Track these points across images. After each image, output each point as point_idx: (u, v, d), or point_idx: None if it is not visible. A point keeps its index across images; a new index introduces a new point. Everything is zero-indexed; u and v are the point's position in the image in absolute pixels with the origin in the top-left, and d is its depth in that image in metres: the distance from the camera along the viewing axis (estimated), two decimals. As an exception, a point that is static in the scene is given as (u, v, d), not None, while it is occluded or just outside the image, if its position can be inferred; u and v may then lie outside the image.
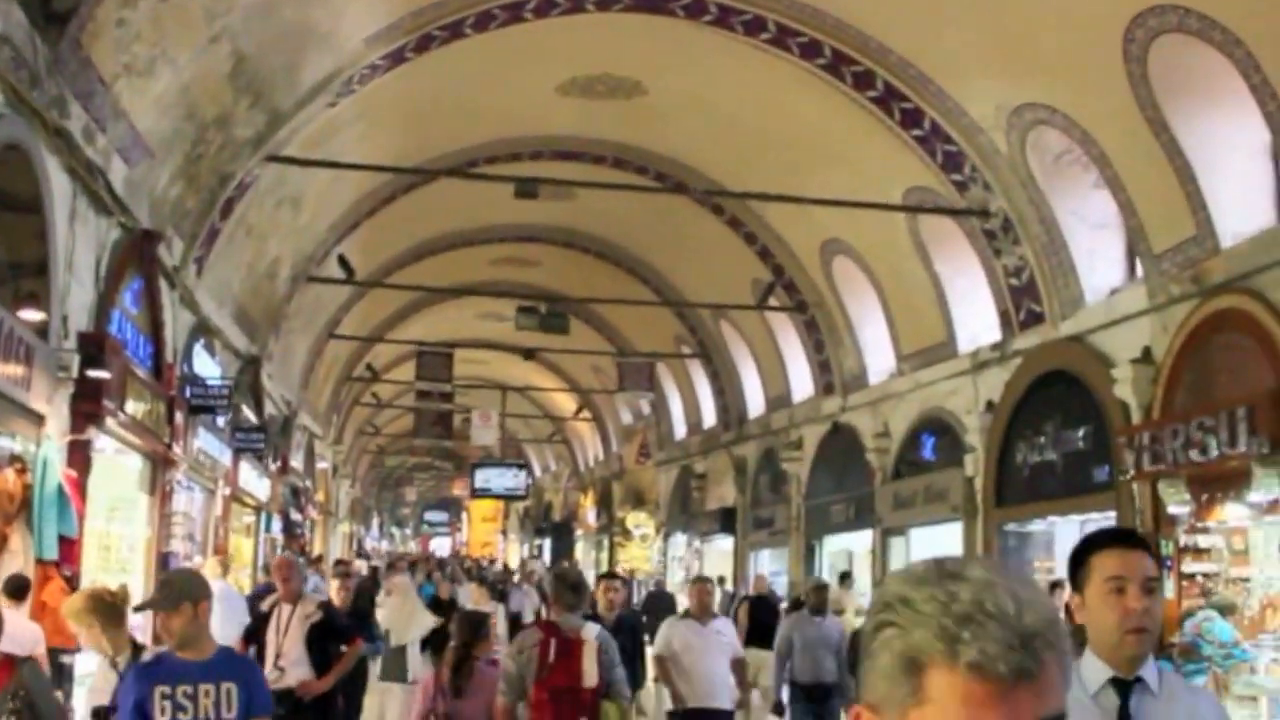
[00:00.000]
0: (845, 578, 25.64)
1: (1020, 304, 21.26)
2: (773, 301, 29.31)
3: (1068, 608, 4.22)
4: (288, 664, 11.43)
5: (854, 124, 22.10)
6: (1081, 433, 19.56)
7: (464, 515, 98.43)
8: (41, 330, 12.88)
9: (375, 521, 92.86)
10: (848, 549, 29.47)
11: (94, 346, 13.90)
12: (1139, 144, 17.09)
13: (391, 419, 62.36)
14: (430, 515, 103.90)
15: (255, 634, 11.89)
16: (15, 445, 12.87)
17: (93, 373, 13.73)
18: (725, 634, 13.90)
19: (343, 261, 27.91)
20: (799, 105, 22.85)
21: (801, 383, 31.18)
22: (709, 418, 38.87)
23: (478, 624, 10.17)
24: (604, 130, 26.61)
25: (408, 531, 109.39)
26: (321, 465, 43.53)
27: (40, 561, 12.39)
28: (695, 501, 39.55)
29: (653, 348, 36.89)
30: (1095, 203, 19.45)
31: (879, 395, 26.84)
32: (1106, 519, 19.26)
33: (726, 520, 36.06)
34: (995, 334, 22.27)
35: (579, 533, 61.21)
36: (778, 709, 15.54)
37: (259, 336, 26.39)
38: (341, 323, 35.26)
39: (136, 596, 17.86)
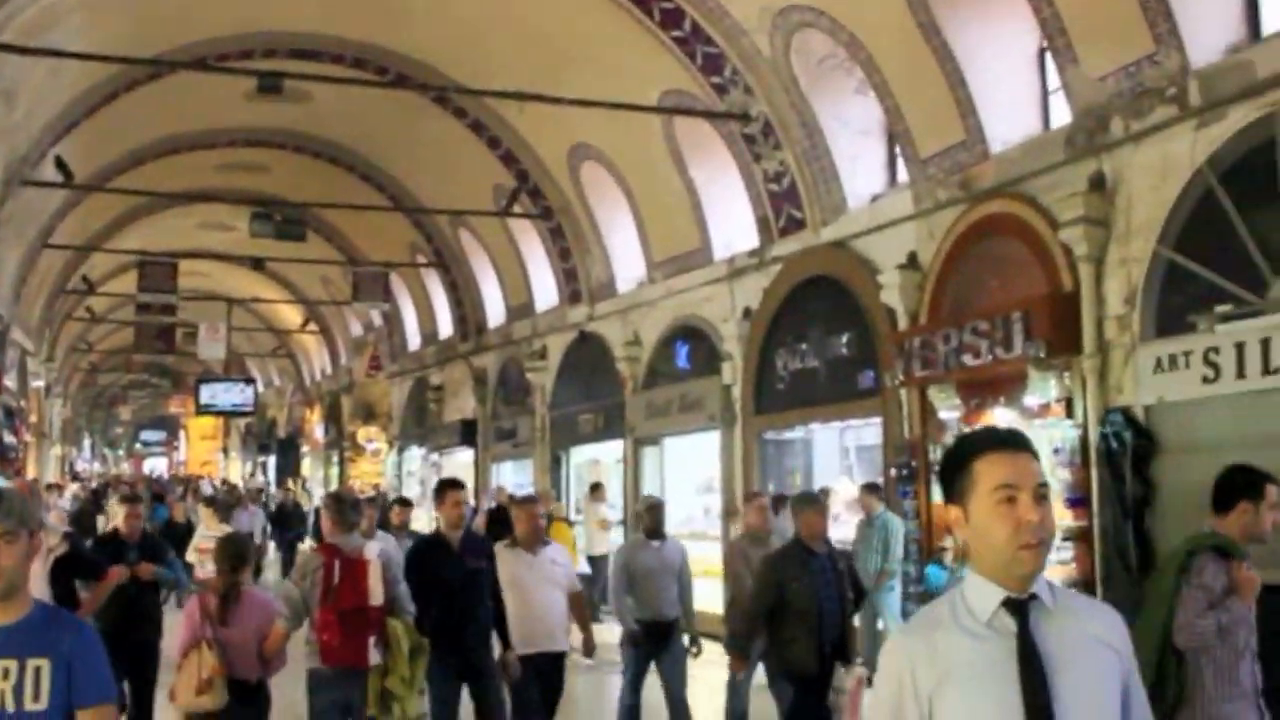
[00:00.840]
0: (596, 488, 25.38)
1: (780, 210, 21.11)
2: (516, 209, 28.77)
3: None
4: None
5: (609, 23, 21.61)
6: (846, 339, 19.52)
7: (182, 434, 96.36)
8: None
9: (87, 442, 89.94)
10: (595, 460, 29.27)
11: None
12: (909, 49, 17.00)
13: (106, 334, 60.15)
14: (146, 435, 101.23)
15: None
16: None
17: None
18: (560, 563, 11.78)
19: (60, 164, 26.47)
20: (552, 3, 22.37)
21: (546, 292, 30.72)
22: (445, 328, 38.22)
23: (243, 548, 9.84)
24: (343, 28, 25.68)
25: (120, 453, 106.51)
26: (36, 384, 41.69)
27: None
28: (432, 414, 39.00)
29: (387, 257, 35.96)
30: (860, 108, 19.37)
31: (629, 303, 26.56)
32: (870, 425, 19.38)
33: (466, 432, 35.59)
34: (753, 241, 22.10)
35: (305, 449, 60.36)
36: (629, 640, 12.70)
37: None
38: (56, 231, 33.58)
39: None
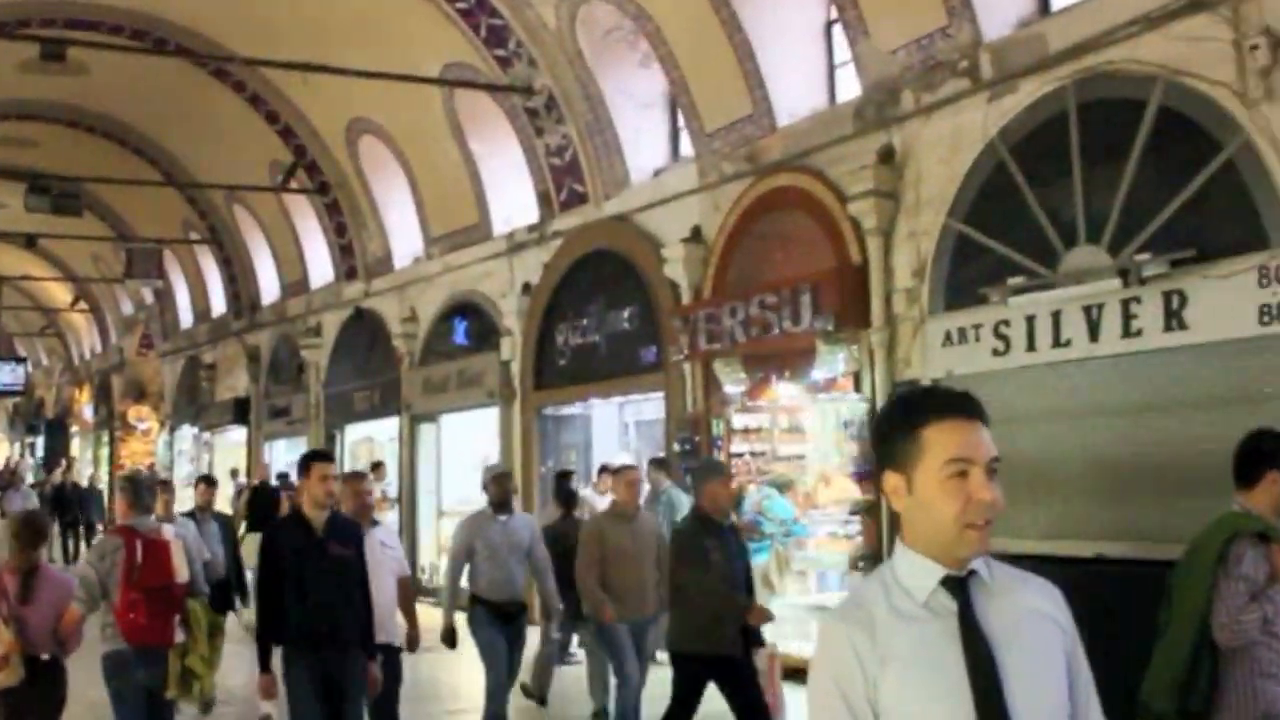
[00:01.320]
0: (378, 466, 24.87)
1: (562, 184, 20.82)
2: (293, 184, 28.13)
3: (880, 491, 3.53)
4: None
5: (391, -6, 21.24)
6: (628, 314, 19.34)
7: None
8: None
9: None
10: (369, 438, 28.81)
11: None
12: (697, 20, 16.84)
13: None
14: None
15: None
16: None
17: None
18: (390, 546, 10.90)
19: None
20: (332, -28, 21.90)
21: (321, 268, 30.11)
22: (219, 305, 37.30)
23: (43, 526, 9.80)
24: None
25: None
26: None
27: None
28: (204, 392, 38.08)
29: (160, 233, 34.96)
30: (644, 81, 19.19)
31: (406, 279, 26.13)
32: (652, 400, 19.21)
33: (239, 410, 34.81)
34: (534, 215, 21.80)
35: (75, 429, 58.75)
36: (449, 638, 11.71)
37: None
38: None
39: None
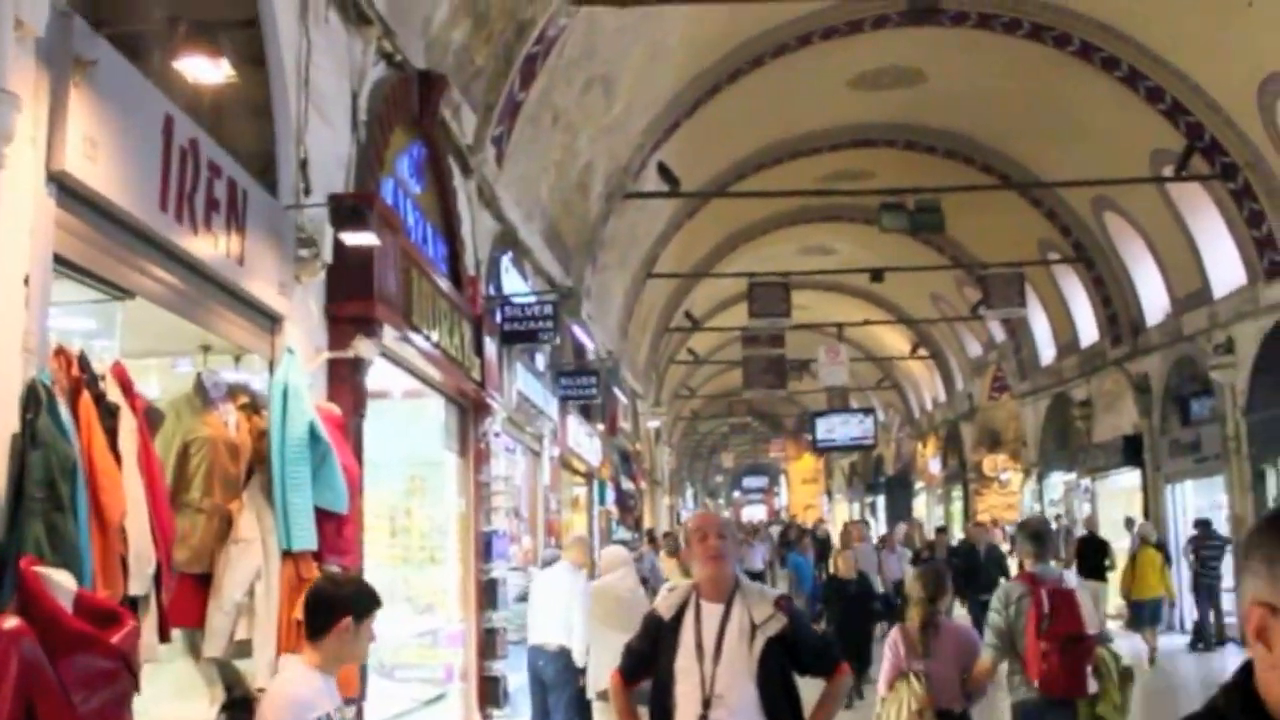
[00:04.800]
0: None
1: None
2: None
3: None
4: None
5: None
6: None
7: (782, 479, 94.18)
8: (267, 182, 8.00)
9: (689, 492, 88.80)
10: None
11: (356, 212, 8.81)
12: None
13: (709, 377, 58.04)
14: (748, 481, 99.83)
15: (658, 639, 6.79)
16: (235, 371, 8.03)
17: (355, 237, 8.76)
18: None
19: (664, 170, 22.97)
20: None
21: (1227, 271, 25.13)
22: (1089, 333, 32.98)
23: (942, 579, 9.62)
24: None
25: (720, 501, 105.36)
26: (653, 424, 38.95)
27: (289, 554, 7.41)
28: (1079, 433, 33.92)
29: (1014, 259, 31.06)
30: None
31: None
32: None
33: (1129, 450, 30.32)
34: None
35: (919, 485, 56.70)
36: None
37: (574, 266, 21.53)
38: (659, 260, 30.51)
39: (450, 596, 13.25)
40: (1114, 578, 24.85)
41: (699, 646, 6.52)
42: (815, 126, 29.00)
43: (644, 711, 6.84)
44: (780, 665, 6.53)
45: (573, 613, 13.11)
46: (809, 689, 6.73)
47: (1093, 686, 9.26)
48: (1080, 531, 28.23)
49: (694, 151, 25.44)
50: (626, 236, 25.85)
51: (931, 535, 35.23)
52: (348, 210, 8.57)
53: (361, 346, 9.10)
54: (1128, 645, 10.54)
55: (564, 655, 13.12)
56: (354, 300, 9.14)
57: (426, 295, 10.84)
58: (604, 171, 21.49)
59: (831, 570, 17.36)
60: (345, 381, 9.02)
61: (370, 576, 10.17)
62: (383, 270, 9.29)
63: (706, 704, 6.35)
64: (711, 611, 6.60)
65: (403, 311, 9.94)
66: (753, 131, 27.67)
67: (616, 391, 28.07)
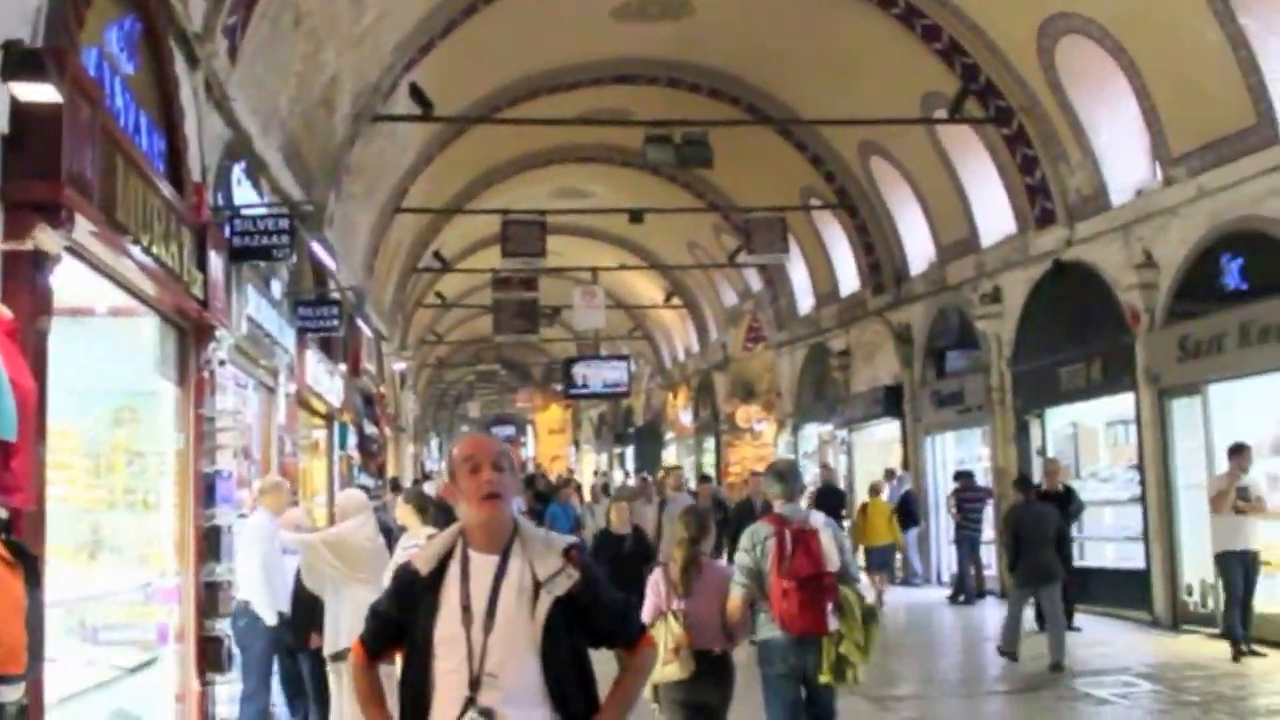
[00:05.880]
0: (1240, 450, 18.24)
1: None
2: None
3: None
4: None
5: None
6: None
7: (529, 430, 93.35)
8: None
9: (434, 442, 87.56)
10: (1074, 422, 23.92)
11: (33, 61, 7.32)
12: None
13: (457, 323, 57.09)
14: (496, 430, 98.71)
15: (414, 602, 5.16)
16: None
17: (30, 90, 7.19)
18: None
19: (416, 92, 21.50)
20: None
21: (997, 220, 24.66)
22: (850, 283, 32.33)
23: (705, 519, 9.92)
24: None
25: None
26: (398, 367, 37.30)
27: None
28: (836, 385, 33.30)
29: (780, 199, 30.16)
30: None
31: (1131, 217, 20.42)
32: None
33: (890, 401, 29.74)
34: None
35: (670, 436, 56.30)
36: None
37: (316, 190, 19.96)
38: (409, 194, 28.95)
39: (165, 546, 11.71)
40: (847, 525, 24.56)
41: (466, 610, 4.90)
42: (576, 59, 27.82)
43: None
44: (570, 634, 4.98)
45: (252, 564, 12.13)
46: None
47: (835, 625, 9.28)
48: (817, 483, 28.04)
49: (448, 78, 23.98)
50: (375, 165, 24.30)
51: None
52: (21, 58, 7.01)
53: (43, 238, 7.43)
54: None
55: (248, 611, 12.11)
56: (36, 181, 7.46)
57: (135, 191, 9.22)
58: (351, 89, 19.95)
59: (604, 524, 16.09)
60: (23, 281, 7.39)
61: (66, 522, 8.63)
62: (75, 148, 7.69)
63: (474, 685, 4.81)
64: (483, 565, 5.01)
65: (101, 204, 8.34)
66: (511, 60, 26.30)
67: (362, 326, 26.52)
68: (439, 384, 78.57)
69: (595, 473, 59.71)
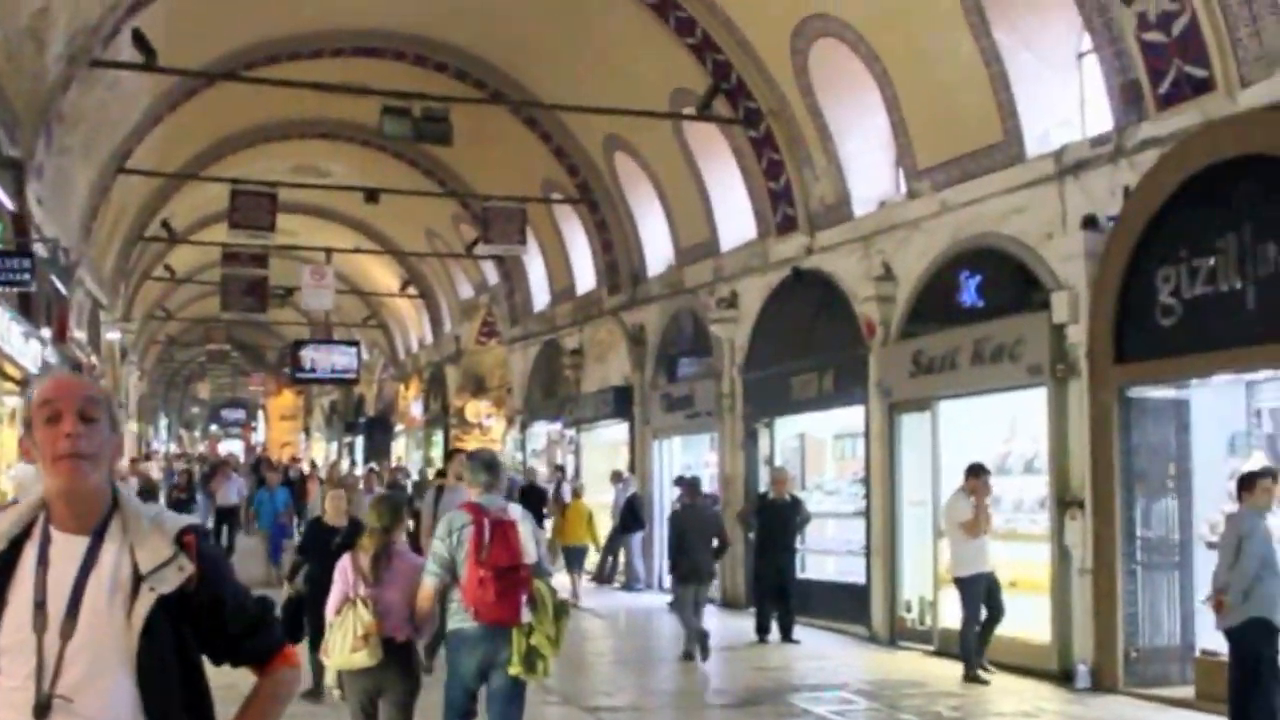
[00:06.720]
0: (978, 471, 18.39)
1: (1161, 70, 14.61)
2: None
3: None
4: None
5: None
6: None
7: (260, 415, 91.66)
8: None
9: (163, 422, 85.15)
10: (802, 433, 23.79)
11: None
12: None
13: (188, 301, 55.32)
14: (227, 414, 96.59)
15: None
16: None
17: None
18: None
19: (139, 39, 20.29)
20: None
21: (738, 224, 24.41)
22: (586, 281, 31.83)
23: (399, 506, 10.19)
24: None
25: (196, 433, 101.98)
26: (111, 336, 35.56)
27: None
28: (568, 383, 32.75)
29: (521, 191, 29.50)
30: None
31: (874, 228, 20.36)
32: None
33: (619, 402, 29.35)
34: (1104, 123, 15.86)
35: (400, 428, 55.54)
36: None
37: (21, 136, 18.72)
38: (133, 155, 27.52)
39: None
40: (549, 525, 24.97)
41: (40, 607, 3.55)
42: (319, 26, 26.71)
43: None
44: (180, 645, 3.67)
45: None
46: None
47: (528, 617, 9.35)
48: (521, 482, 27.75)
49: (181, 32, 22.64)
50: (95, 117, 22.94)
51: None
52: None
53: None
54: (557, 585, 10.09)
55: None
56: None
57: None
58: (66, 27, 18.65)
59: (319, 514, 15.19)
60: None
61: None
62: None
63: (42, 710, 3.49)
64: (67, 549, 3.64)
65: None
66: (246, 20, 24.95)
67: (72, 290, 25.11)
68: (169, 363, 76.53)
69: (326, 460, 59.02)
